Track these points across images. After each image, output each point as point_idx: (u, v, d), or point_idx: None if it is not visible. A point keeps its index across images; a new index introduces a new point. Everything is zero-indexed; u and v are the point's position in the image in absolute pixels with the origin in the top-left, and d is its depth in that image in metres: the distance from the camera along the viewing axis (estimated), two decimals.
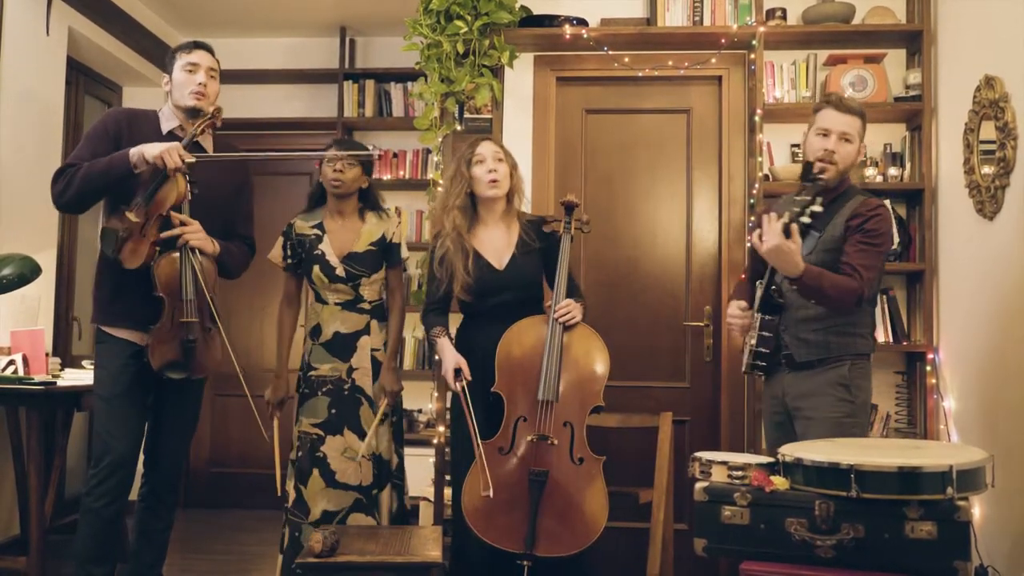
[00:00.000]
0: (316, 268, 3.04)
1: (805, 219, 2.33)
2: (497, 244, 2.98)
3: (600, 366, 2.83)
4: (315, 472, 2.97)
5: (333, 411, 3.01)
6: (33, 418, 3.25)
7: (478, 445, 2.73)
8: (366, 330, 3.07)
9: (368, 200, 3.17)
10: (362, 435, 3.00)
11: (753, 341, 2.64)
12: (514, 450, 2.76)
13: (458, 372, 2.85)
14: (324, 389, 3.02)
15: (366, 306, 3.09)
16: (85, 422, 4.60)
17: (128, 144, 2.69)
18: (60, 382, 3.35)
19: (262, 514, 4.94)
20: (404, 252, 3.20)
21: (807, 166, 2.49)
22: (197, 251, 2.73)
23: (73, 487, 4.42)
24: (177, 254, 2.71)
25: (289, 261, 3.12)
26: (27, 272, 3.32)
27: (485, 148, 2.98)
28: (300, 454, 3.01)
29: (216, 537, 4.52)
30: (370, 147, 5.02)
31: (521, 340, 2.85)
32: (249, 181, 3.05)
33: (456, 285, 2.93)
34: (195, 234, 2.73)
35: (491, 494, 2.66)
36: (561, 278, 2.87)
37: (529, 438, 2.73)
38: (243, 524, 4.79)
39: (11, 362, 3.32)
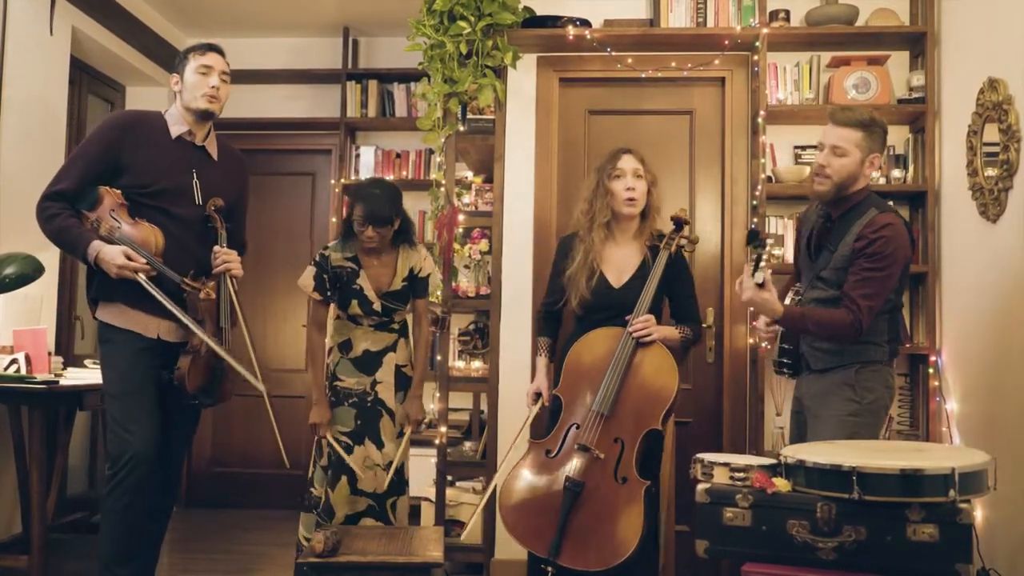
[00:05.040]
0: (355, 303, 3.09)
1: (757, 280, 2.47)
2: (622, 263, 2.92)
3: (664, 390, 2.72)
4: (343, 479, 3.03)
5: (359, 422, 3.08)
6: (35, 417, 3.26)
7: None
8: (393, 347, 3.16)
9: (402, 231, 3.14)
10: (380, 445, 3.06)
11: (776, 352, 2.78)
12: (561, 455, 2.74)
13: (538, 396, 2.97)
14: (350, 401, 3.09)
15: (396, 326, 3.18)
16: (87, 421, 4.61)
17: (130, 153, 2.67)
18: (63, 381, 3.35)
19: (264, 513, 4.95)
20: (436, 280, 3.26)
21: (750, 233, 2.59)
22: (235, 280, 2.77)
23: (75, 486, 4.42)
24: (215, 283, 2.75)
25: (328, 295, 3.11)
26: (30, 271, 3.33)
27: (626, 163, 2.88)
28: (331, 460, 3.06)
29: (217, 536, 4.52)
30: (373, 147, 5.08)
31: (593, 348, 2.82)
32: (248, 183, 3.05)
33: (574, 299, 2.90)
34: (236, 263, 2.78)
35: None
36: (647, 293, 2.79)
37: (575, 446, 2.71)
38: (245, 523, 4.79)
39: (14, 361, 3.32)
